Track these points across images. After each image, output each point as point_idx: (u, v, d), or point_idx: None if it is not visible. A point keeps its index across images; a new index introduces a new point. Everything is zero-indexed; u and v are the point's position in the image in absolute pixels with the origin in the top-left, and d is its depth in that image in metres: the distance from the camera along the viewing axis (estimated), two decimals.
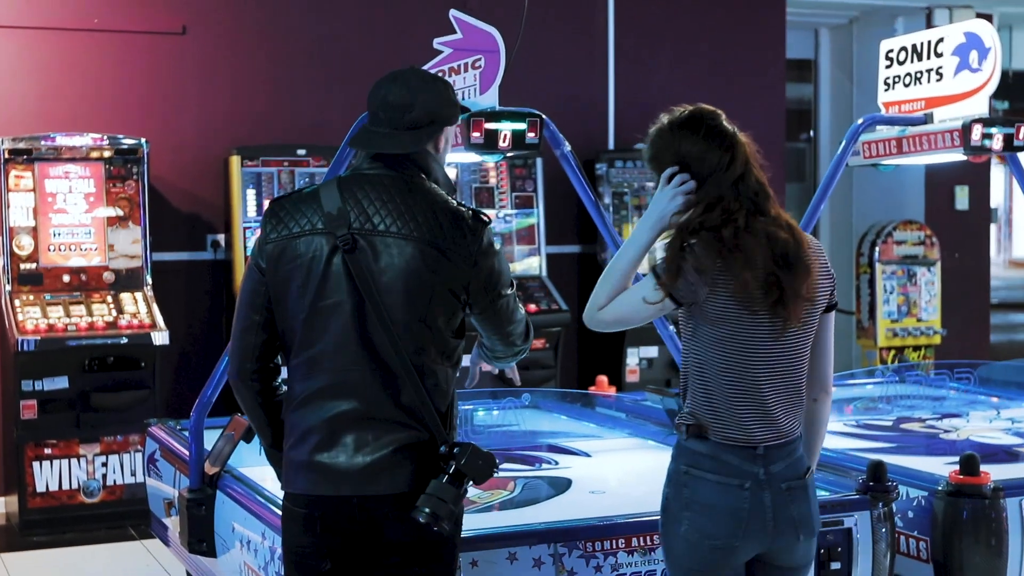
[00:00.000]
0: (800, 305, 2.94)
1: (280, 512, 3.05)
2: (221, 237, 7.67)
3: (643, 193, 8.47)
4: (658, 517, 3.10)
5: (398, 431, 2.83)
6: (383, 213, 2.85)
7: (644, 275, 3.02)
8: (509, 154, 4.27)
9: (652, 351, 8.32)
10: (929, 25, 9.92)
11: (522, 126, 4.21)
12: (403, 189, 2.88)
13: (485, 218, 2.91)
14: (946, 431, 5.09)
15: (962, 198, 10.21)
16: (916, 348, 9.35)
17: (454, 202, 2.92)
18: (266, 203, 7.38)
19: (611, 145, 8.73)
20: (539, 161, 8.11)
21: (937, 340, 9.43)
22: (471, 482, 2.82)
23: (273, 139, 7.69)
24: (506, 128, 4.20)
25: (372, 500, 2.83)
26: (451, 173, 3.08)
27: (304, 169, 7.45)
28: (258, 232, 2.96)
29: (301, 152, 7.48)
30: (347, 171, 3.01)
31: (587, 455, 4.67)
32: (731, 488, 2.94)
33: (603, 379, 5.84)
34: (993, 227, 12.01)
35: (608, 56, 8.80)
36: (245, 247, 7.29)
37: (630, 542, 3.49)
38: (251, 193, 7.38)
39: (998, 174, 13.80)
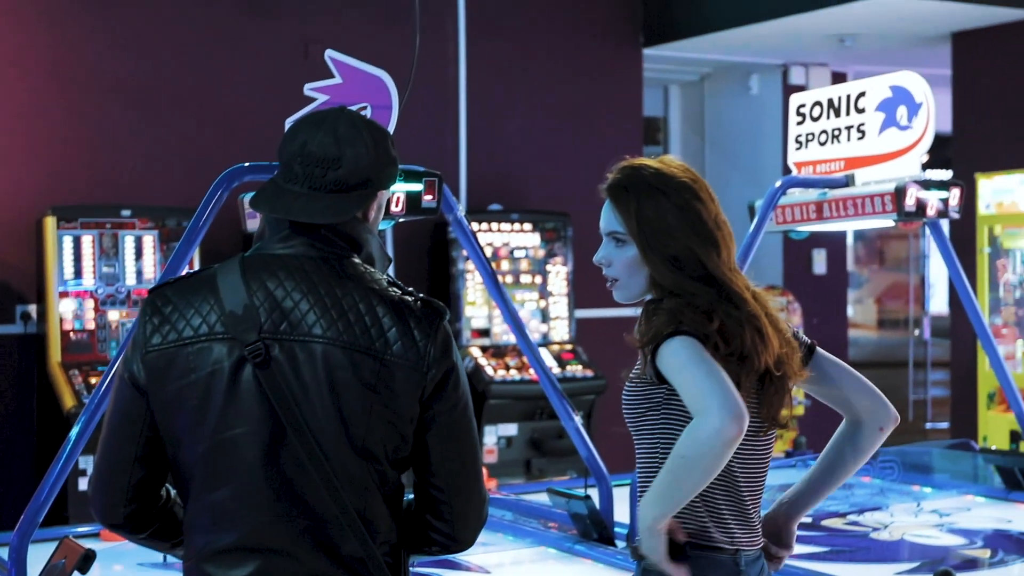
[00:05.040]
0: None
1: None
2: (33, 308, 6.80)
3: (496, 259, 7.87)
4: None
5: None
6: (304, 309, 2.13)
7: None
8: (401, 219, 3.63)
9: (511, 429, 7.70)
10: (786, 83, 9.61)
11: (418, 187, 3.59)
12: (330, 275, 2.16)
13: (439, 308, 2.22)
14: (875, 529, 4.57)
15: (819, 262, 9.92)
16: None
17: (397, 290, 2.20)
18: (85, 269, 6.55)
19: (463, 207, 8.10)
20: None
21: (800, 411, 9.03)
22: None
23: (94, 198, 6.85)
24: (400, 190, 3.57)
25: None
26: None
27: (130, 232, 6.62)
28: (133, 334, 2.19)
29: (126, 213, 6.65)
30: (253, 249, 2.26)
31: (486, 572, 4.00)
32: None
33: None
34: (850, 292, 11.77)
35: (460, 110, 8.20)
36: (60, 318, 6.44)
37: None
38: (68, 259, 6.53)
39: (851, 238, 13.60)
